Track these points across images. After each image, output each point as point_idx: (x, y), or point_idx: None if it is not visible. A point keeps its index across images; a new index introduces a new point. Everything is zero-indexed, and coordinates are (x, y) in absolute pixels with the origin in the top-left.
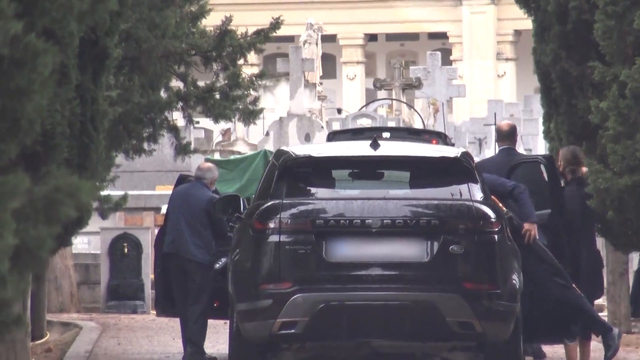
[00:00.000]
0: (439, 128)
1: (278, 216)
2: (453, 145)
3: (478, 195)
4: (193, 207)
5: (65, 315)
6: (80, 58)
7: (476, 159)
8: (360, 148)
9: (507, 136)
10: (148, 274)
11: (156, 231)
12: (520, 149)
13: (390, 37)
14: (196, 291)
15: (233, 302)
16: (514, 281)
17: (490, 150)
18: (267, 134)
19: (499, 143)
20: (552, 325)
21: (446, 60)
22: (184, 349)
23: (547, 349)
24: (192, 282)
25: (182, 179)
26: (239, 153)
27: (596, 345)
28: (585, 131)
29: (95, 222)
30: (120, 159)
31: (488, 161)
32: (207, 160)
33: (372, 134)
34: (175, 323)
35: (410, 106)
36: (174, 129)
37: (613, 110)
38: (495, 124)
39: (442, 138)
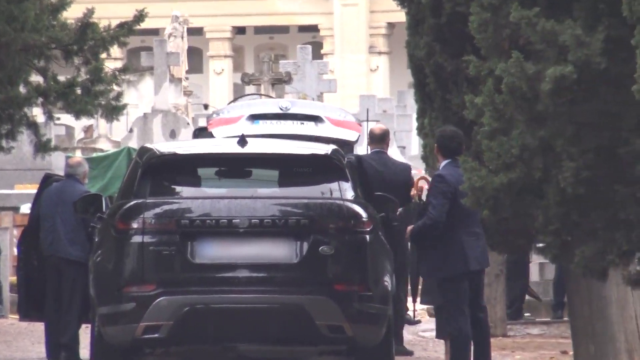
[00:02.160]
0: None
1: (141, 216)
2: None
3: (349, 193)
4: (68, 204)
5: None
6: None
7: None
8: (227, 145)
9: (379, 140)
10: (7, 276)
11: (16, 232)
12: (394, 146)
13: (259, 30)
14: (69, 292)
15: (94, 306)
16: (386, 283)
17: (363, 147)
18: (131, 130)
19: (371, 146)
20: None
21: (317, 54)
22: (47, 354)
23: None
24: (65, 283)
25: (47, 179)
26: (102, 150)
27: None
28: (460, 127)
29: None
30: None
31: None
32: (68, 158)
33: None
34: (35, 327)
35: None
36: (33, 126)
37: (488, 105)
38: (367, 120)
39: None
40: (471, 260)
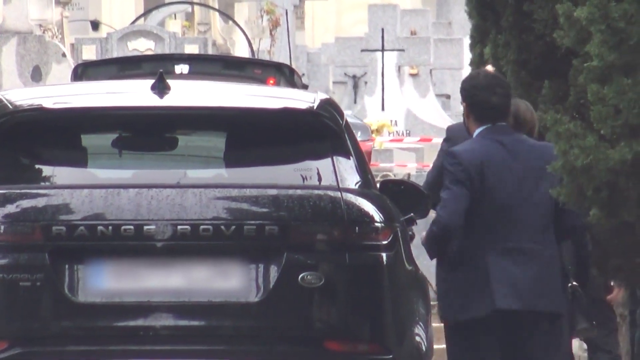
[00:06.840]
0: (281, 56)
1: None
2: (306, 87)
3: (351, 178)
4: None
5: None
6: None
7: (348, 113)
8: (134, 93)
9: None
10: None
11: None
12: (430, 93)
13: None
14: None
15: None
16: (417, 338)
17: (375, 97)
18: None
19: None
20: None
21: None
22: None
23: None
24: None
25: None
26: None
27: None
28: (548, 62)
29: None
30: None
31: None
32: None
33: (157, 68)
34: None
35: (229, 17)
36: None
37: (599, 22)
38: (382, 50)
39: (285, 74)
40: (501, 295)
